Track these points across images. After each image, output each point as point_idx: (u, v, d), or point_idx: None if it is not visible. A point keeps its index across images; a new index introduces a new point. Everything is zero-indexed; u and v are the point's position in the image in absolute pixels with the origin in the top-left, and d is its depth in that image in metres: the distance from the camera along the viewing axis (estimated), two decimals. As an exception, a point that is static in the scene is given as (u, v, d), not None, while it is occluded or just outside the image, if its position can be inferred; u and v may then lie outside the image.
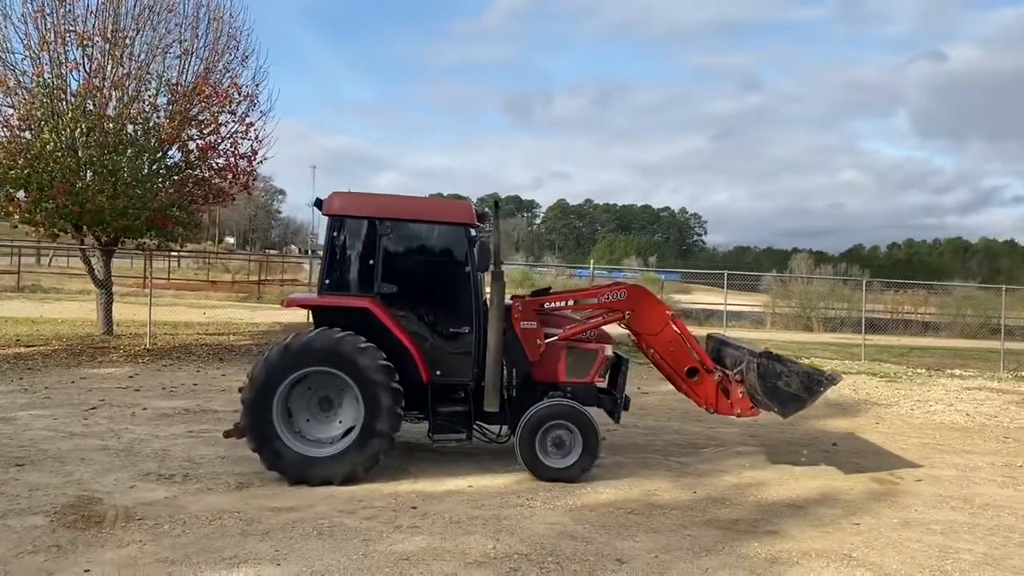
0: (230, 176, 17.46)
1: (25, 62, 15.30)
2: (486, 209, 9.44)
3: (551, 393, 8.49)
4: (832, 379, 8.64)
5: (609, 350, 8.77)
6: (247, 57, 17.47)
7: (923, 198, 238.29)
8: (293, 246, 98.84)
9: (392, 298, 8.12)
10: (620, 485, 8.25)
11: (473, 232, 8.35)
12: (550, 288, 9.62)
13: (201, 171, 17.31)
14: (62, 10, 15.25)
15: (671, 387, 14.79)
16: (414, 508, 7.17)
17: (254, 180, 18.64)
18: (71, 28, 15.27)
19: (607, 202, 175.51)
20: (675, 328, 8.89)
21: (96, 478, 7.63)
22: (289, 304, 8.66)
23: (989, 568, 6.39)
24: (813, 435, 11.42)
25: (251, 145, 17.39)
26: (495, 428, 8.82)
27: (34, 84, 15.03)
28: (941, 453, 10.62)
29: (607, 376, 9.18)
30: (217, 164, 17.39)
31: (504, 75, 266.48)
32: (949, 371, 19.22)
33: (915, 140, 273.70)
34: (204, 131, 16.89)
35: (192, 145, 17.00)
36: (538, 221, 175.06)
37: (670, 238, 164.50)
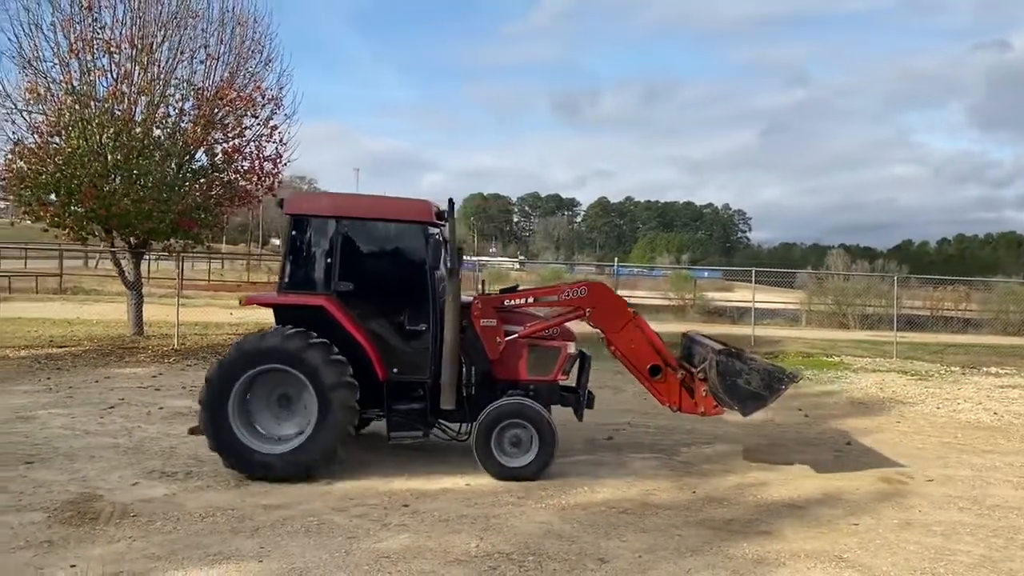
0: (255, 178, 17.72)
1: (55, 70, 15.71)
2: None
3: (510, 391, 8.48)
4: (793, 377, 8.53)
5: (572, 347, 8.74)
6: (270, 61, 17.73)
7: (980, 192, 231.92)
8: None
9: (349, 296, 8.17)
10: (618, 484, 8.21)
11: (431, 230, 8.38)
12: (518, 286, 9.63)
13: (227, 174, 17.60)
14: (90, 18, 15.62)
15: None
16: (406, 506, 7.22)
17: (279, 182, 18.89)
18: (98, 36, 15.64)
19: (649, 199, 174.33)
20: (637, 326, 8.80)
21: (101, 475, 7.81)
22: (248, 302, 8.92)
23: (984, 570, 6.23)
24: (829, 434, 11.23)
25: (276, 148, 17.65)
26: (456, 426, 8.80)
27: (63, 91, 15.43)
28: (960, 453, 10.36)
29: (571, 374, 9.13)
30: (242, 167, 17.67)
31: (549, 74, 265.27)
32: (984, 369, 18.72)
33: (972, 132, 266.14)
34: (229, 135, 17.18)
35: (218, 149, 17.30)
36: (578, 219, 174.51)
37: (713, 235, 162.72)
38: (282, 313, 8.30)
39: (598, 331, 8.97)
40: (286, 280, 8.33)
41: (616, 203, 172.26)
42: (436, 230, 8.52)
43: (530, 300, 8.89)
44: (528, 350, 8.58)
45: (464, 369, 8.39)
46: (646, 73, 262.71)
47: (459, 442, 8.70)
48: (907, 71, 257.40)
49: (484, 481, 8.11)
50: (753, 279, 24.25)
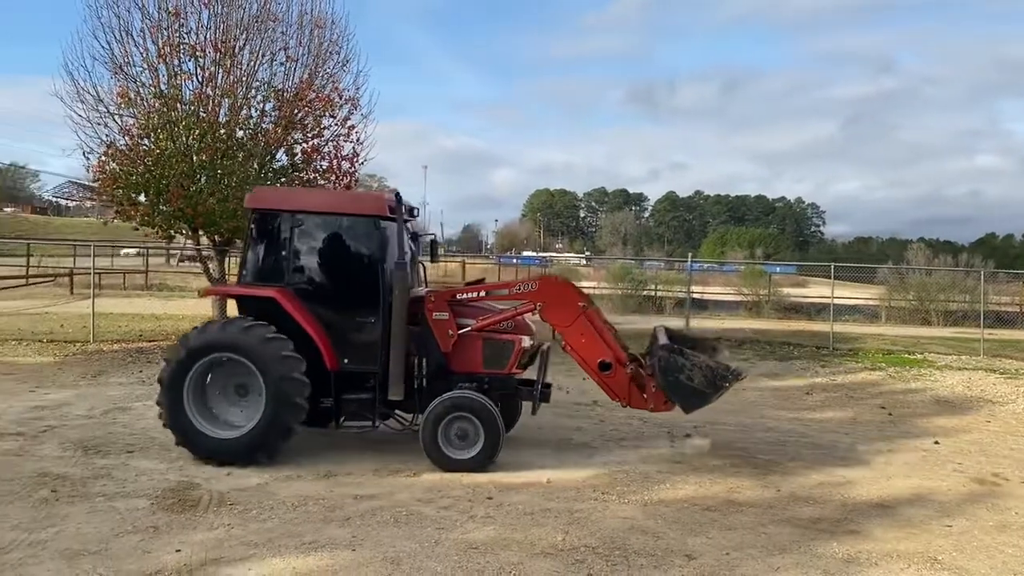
0: (333, 177, 18.06)
1: (144, 74, 16.24)
2: (414, 205, 9.72)
3: (460, 384, 8.54)
4: (737, 375, 8.37)
5: (527, 341, 8.73)
6: (348, 62, 18.04)
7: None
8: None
9: (302, 288, 8.48)
10: (701, 481, 8.18)
11: (383, 223, 8.51)
12: (483, 280, 9.68)
13: (306, 173, 17.99)
14: (176, 24, 16.12)
15: (769, 383, 14.58)
16: (489, 498, 7.33)
17: (356, 181, 19.23)
18: (184, 41, 16.15)
19: (719, 193, 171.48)
20: (587, 321, 8.67)
21: (197, 465, 8.12)
22: (206, 293, 9.27)
23: (1089, 576, 6.02)
24: (915, 432, 10.95)
25: (353, 147, 17.95)
26: (411, 416, 8.85)
27: (152, 95, 15.99)
28: (1056, 454, 9.99)
29: (529, 367, 9.14)
30: (321, 167, 18.03)
31: (624, 68, 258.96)
32: (1080, 367, 17.94)
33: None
34: (308, 135, 17.55)
35: (297, 149, 17.70)
36: (646, 214, 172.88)
37: (786, 229, 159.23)
38: (241, 304, 8.68)
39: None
40: (244, 271, 8.71)
41: (685, 197, 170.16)
42: (388, 223, 8.59)
43: (481, 294, 8.93)
44: (482, 343, 8.65)
45: (417, 361, 8.53)
46: (724, 64, 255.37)
47: (413, 431, 8.67)
48: (998, 58, 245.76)
49: (565, 476, 8.17)
50: (832, 274, 23.70)
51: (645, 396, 8.57)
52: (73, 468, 7.90)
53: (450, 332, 8.56)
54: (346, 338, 8.48)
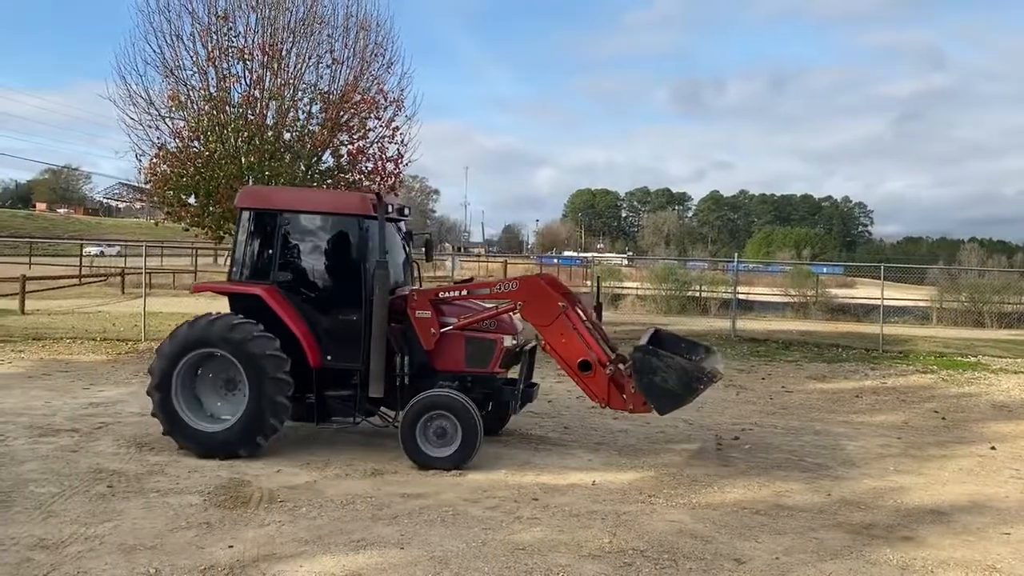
0: (378, 179, 18.21)
1: (194, 78, 16.57)
2: (406, 205, 9.84)
3: (440, 383, 8.55)
4: (712, 376, 8.22)
5: (508, 340, 8.68)
6: (392, 64, 18.18)
7: None
8: (447, 244, 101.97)
9: (288, 285, 8.66)
10: (749, 484, 8.08)
11: (366, 223, 8.57)
12: (472, 279, 9.66)
13: (352, 175, 18.16)
14: (225, 28, 16.41)
15: (818, 386, 14.36)
16: (535, 500, 7.32)
17: (401, 182, 19.37)
18: (233, 44, 16.42)
19: (763, 192, 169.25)
20: (567, 320, 8.56)
21: (247, 462, 8.24)
22: (196, 290, 9.88)
23: None
24: (970, 438, 10.69)
25: (397, 148, 18.09)
26: (393, 413, 8.86)
27: (201, 98, 16.29)
28: (1119, 461, 9.67)
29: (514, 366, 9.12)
30: (366, 168, 18.19)
31: (668, 65, 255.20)
32: None
33: None
34: (354, 136, 17.72)
35: (343, 150, 17.88)
36: (689, 214, 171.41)
37: (832, 229, 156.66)
38: (231, 301, 8.86)
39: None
40: (233, 269, 8.92)
41: (729, 197, 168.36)
42: (371, 222, 8.61)
43: (463, 293, 8.95)
44: (465, 342, 8.65)
45: (399, 358, 8.57)
46: (771, 59, 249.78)
47: (396, 428, 8.66)
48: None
49: (610, 477, 8.14)
50: (882, 275, 23.23)
51: (624, 397, 8.48)
52: (128, 464, 8.08)
53: (432, 330, 8.61)
54: (329, 335, 8.64)
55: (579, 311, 8.86)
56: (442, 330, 8.61)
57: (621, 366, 8.50)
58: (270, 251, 8.76)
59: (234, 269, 8.97)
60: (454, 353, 8.69)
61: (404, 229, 9.89)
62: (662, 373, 8.11)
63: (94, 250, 51.28)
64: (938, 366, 16.73)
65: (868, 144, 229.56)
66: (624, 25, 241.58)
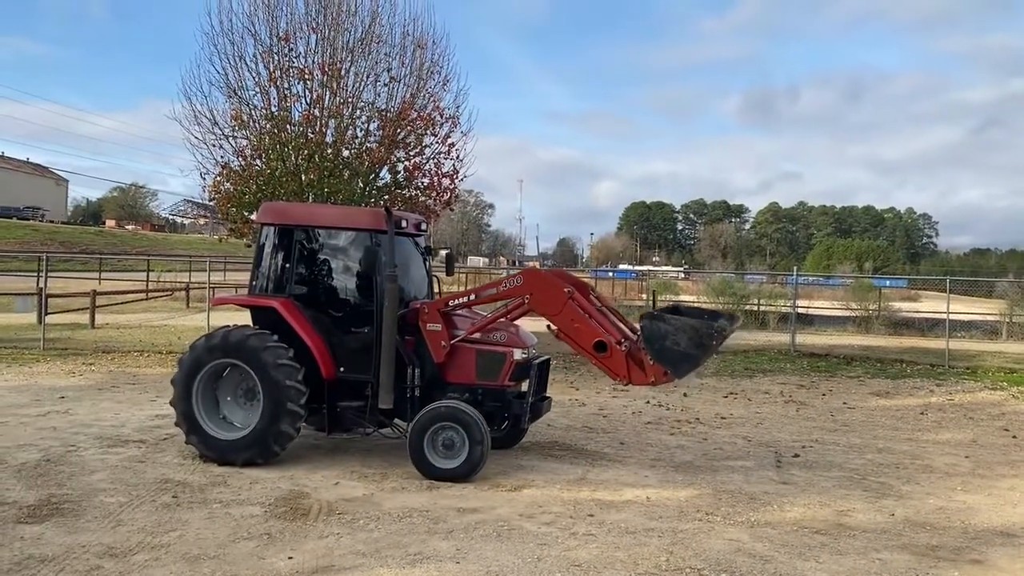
0: (434, 194, 18.42)
1: (256, 98, 17.02)
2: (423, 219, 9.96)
3: (449, 394, 8.58)
4: (722, 330, 8.02)
5: (518, 354, 8.62)
6: (448, 81, 18.39)
7: None
8: (502, 258, 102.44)
9: (303, 299, 8.88)
10: (810, 503, 7.93)
11: (377, 237, 8.72)
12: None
13: (408, 191, 18.40)
14: (286, 48, 16.83)
15: (881, 402, 14.03)
16: (591, 516, 7.30)
17: (456, 197, 19.55)
18: (293, 64, 16.83)
19: (824, 204, 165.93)
20: (576, 306, 8.41)
21: (306, 474, 8.40)
22: (216, 303, 10.31)
23: None
24: (1043, 458, 10.31)
25: (453, 164, 18.27)
26: (406, 425, 8.79)
27: (263, 117, 16.71)
28: None
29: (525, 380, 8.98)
30: (422, 184, 18.41)
31: (737, 74, 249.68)
32: None
33: None
34: (410, 153, 17.97)
35: (400, 167, 18.13)
36: (747, 226, 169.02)
37: (895, 241, 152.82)
38: (252, 314, 9.14)
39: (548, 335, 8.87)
40: (254, 283, 9.17)
41: (788, 208, 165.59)
42: (383, 237, 8.71)
43: (471, 297, 8.98)
44: (475, 355, 8.66)
45: (410, 370, 8.64)
46: (844, 67, 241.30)
47: (406, 439, 8.60)
48: None
49: (667, 494, 8.07)
50: (948, 288, 22.60)
51: (644, 371, 8.32)
52: (192, 475, 8.29)
53: (443, 343, 8.68)
54: (342, 347, 8.81)
55: (593, 299, 8.85)
56: (452, 342, 8.70)
57: (635, 339, 8.39)
58: (287, 265, 9.04)
59: (255, 283, 9.24)
60: (464, 366, 8.76)
61: (423, 244, 10.04)
62: (672, 336, 7.96)
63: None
64: (1008, 382, 16.19)
65: (943, 153, 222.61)
66: (693, 34, 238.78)
